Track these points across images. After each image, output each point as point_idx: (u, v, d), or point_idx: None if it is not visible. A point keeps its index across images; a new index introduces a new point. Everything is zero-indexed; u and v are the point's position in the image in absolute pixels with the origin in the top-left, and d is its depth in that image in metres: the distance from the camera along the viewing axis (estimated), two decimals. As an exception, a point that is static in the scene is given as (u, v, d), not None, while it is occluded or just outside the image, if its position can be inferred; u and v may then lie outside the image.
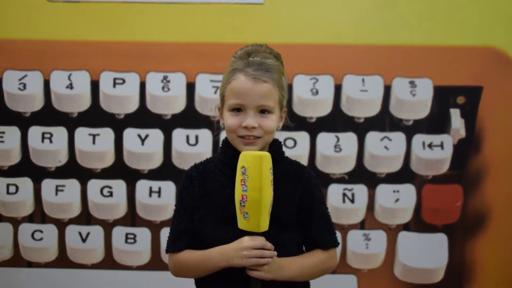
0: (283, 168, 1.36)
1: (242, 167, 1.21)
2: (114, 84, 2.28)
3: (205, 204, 1.33)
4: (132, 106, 2.29)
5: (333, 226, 1.40)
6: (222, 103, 1.35)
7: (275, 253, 1.25)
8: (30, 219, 2.35)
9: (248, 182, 1.20)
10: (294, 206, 1.34)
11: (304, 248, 1.40)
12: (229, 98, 1.31)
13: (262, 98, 1.29)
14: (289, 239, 1.33)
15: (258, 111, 1.30)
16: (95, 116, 2.29)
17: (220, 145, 1.39)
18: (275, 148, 1.36)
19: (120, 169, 2.31)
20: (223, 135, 1.48)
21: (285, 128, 1.40)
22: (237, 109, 1.30)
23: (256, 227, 1.22)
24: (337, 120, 2.29)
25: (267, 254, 1.24)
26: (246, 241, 1.24)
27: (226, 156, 1.35)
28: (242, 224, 1.23)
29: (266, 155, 1.22)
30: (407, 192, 2.30)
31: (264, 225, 1.23)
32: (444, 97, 2.28)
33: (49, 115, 2.29)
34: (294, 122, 1.44)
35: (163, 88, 2.28)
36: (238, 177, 1.22)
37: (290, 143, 2.24)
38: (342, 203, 2.28)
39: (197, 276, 1.35)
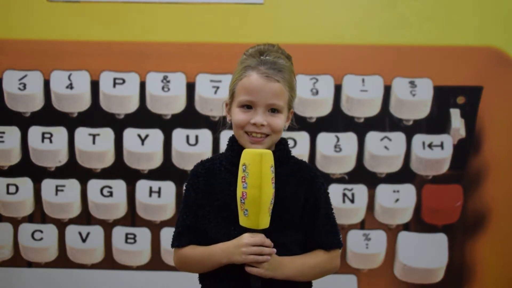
0: (289, 167, 1.36)
1: (243, 164, 1.22)
2: (114, 84, 2.28)
3: (210, 201, 1.34)
4: (132, 106, 2.29)
5: (337, 228, 1.39)
6: (231, 99, 1.35)
7: (274, 250, 1.26)
8: (30, 219, 2.34)
9: (248, 179, 1.21)
10: (298, 207, 1.34)
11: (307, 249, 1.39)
12: (239, 94, 1.31)
13: (273, 97, 1.30)
14: (291, 239, 1.33)
15: (268, 110, 1.30)
16: (95, 116, 2.29)
17: (227, 143, 1.39)
18: (281, 147, 1.36)
19: (120, 169, 2.31)
20: (224, 135, 1.48)
21: (288, 128, 1.40)
22: (247, 106, 1.30)
23: (255, 224, 1.23)
24: (337, 120, 2.29)
25: (266, 251, 1.24)
26: (245, 238, 1.25)
27: (232, 154, 1.35)
28: (242, 221, 1.24)
29: (267, 153, 1.23)
30: (407, 192, 2.30)
31: (264, 223, 1.23)
32: (444, 97, 2.28)
33: (49, 115, 2.29)
34: (295, 123, 1.44)
35: (163, 88, 2.28)
36: (240, 174, 1.23)
37: (290, 143, 2.23)
38: (342, 203, 2.28)
39: (200, 272, 1.36)
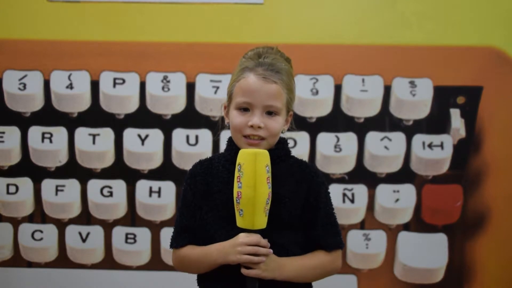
0: (288, 166, 1.36)
1: (238, 164, 1.23)
2: (114, 84, 2.28)
3: (208, 201, 1.34)
4: (132, 106, 2.29)
5: (338, 227, 1.38)
6: (229, 101, 1.35)
7: (270, 251, 1.25)
8: (30, 219, 2.34)
9: (242, 179, 1.21)
10: (297, 206, 1.33)
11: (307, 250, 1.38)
12: (237, 96, 1.31)
13: (270, 98, 1.29)
14: (290, 240, 1.32)
15: (265, 112, 1.30)
16: (95, 116, 2.29)
17: (226, 142, 1.39)
18: (280, 146, 1.36)
19: (120, 169, 2.31)
20: (223, 135, 1.48)
21: (288, 129, 1.40)
22: (244, 109, 1.30)
23: (250, 225, 1.23)
24: (337, 120, 2.29)
25: (262, 251, 1.23)
26: (241, 237, 1.24)
27: (230, 153, 1.35)
28: (238, 221, 1.24)
29: (262, 153, 1.22)
30: (407, 192, 2.30)
31: (259, 223, 1.23)
32: (444, 97, 2.28)
33: (49, 115, 2.29)
34: (295, 123, 1.44)
35: (163, 88, 2.28)
36: (235, 174, 1.23)
37: (290, 143, 2.24)
38: (342, 203, 2.28)
39: (198, 272, 1.36)
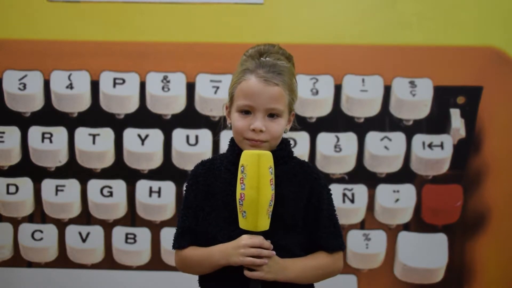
0: (291, 167, 1.35)
1: (242, 165, 1.22)
2: (114, 84, 2.28)
3: (210, 201, 1.33)
4: (132, 106, 2.29)
5: (340, 229, 1.38)
6: (230, 102, 1.34)
7: (273, 252, 1.24)
8: (30, 219, 2.34)
9: (246, 180, 1.20)
10: (299, 207, 1.33)
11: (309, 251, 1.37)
12: (238, 98, 1.30)
13: (272, 101, 1.28)
14: (293, 241, 1.32)
15: (267, 115, 1.28)
16: (95, 116, 2.29)
17: (228, 143, 1.38)
18: (282, 147, 1.35)
19: (120, 169, 2.31)
20: (224, 135, 1.48)
21: (290, 129, 1.40)
22: (246, 111, 1.29)
23: (253, 226, 1.22)
24: (337, 120, 2.29)
25: (265, 253, 1.23)
26: (244, 239, 1.24)
27: (232, 154, 1.34)
28: (241, 223, 1.24)
29: (265, 154, 1.22)
30: (407, 192, 2.30)
31: (262, 225, 1.22)
32: (444, 97, 2.28)
33: (49, 115, 2.29)
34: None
35: (163, 88, 2.28)
36: (238, 175, 1.22)
37: (290, 143, 2.23)
38: (342, 203, 2.28)
39: (200, 273, 1.36)
